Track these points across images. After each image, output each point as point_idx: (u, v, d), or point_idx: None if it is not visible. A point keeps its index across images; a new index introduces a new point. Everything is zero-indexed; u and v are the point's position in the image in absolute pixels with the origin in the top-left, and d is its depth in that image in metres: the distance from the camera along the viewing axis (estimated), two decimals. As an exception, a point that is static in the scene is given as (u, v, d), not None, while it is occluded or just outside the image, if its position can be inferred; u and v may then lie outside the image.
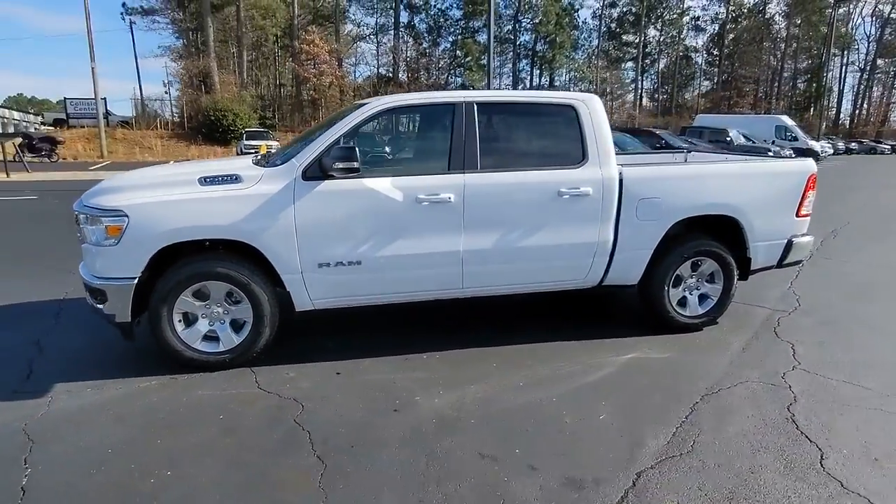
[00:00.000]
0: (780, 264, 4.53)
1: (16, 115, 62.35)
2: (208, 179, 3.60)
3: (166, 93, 43.28)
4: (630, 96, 53.02)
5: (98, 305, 3.52)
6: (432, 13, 47.25)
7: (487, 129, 3.93)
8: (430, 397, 3.32)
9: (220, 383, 3.49)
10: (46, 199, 12.47)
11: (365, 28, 47.24)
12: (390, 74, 45.56)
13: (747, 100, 48.92)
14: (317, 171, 3.57)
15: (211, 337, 3.67)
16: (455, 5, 46.86)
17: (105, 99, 40.35)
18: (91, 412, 3.12)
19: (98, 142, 30.28)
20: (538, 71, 49.86)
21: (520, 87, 49.78)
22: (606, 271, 4.15)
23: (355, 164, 3.45)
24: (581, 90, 49.29)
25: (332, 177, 3.55)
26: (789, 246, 4.47)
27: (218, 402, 3.26)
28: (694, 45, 56.82)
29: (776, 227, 4.42)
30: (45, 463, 2.63)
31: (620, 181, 4.00)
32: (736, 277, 4.39)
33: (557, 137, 4.10)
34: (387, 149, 4.51)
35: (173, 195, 3.52)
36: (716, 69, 53.80)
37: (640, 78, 54.16)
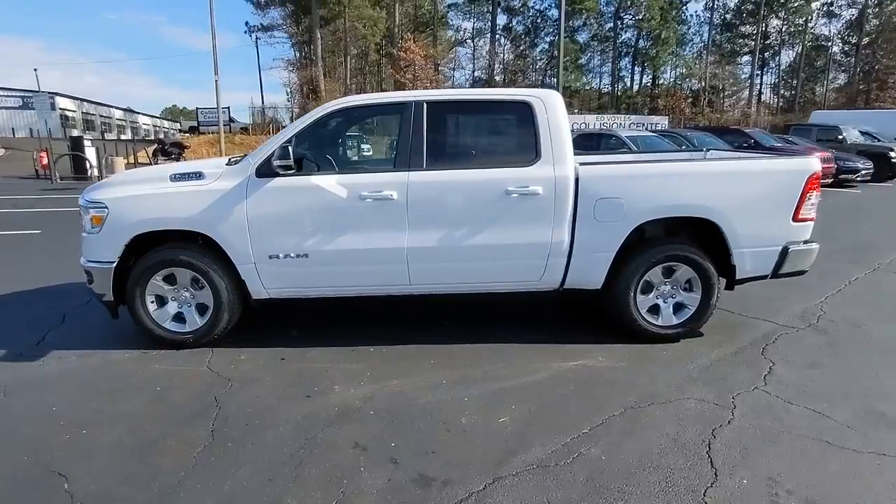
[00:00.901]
0: (775, 274, 4.04)
1: (166, 123, 71.15)
2: (177, 176, 4.00)
3: (288, 101, 47.01)
4: (745, 93, 48.52)
5: (89, 286, 4.05)
6: (530, 14, 46.88)
7: (437, 128, 3.94)
8: (348, 388, 3.42)
9: (178, 360, 3.86)
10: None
11: (463, 33, 47.99)
12: (485, 77, 45.80)
13: (891, 93, 42.65)
14: (268, 169, 3.83)
15: (180, 318, 4.07)
16: (553, 5, 46.03)
17: (228, 108, 44.83)
18: (63, 376, 3.62)
19: (219, 146, 33.76)
20: (640, 69, 47.52)
21: (618, 86, 47.79)
22: (566, 274, 3.99)
23: (290, 163, 3.66)
24: (688, 88, 46.18)
25: (279, 174, 3.78)
26: (785, 254, 3.98)
27: (166, 375, 3.62)
28: (825, 33, 50.79)
29: (766, 232, 3.96)
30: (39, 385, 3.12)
31: (577, 180, 3.84)
32: (717, 286, 4.00)
33: (511, 135, 4.02)
34: (341, 148, 4.67)
35: (145, 190, 3.96)
36: (852, 59, 47.59)
37: (758, 72, 49.41)
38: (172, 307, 4.04)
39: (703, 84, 43.39)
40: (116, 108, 69.09)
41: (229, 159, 4.34)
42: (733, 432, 2.87)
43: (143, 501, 2.38)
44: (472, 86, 45.48)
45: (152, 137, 48.26)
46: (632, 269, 3.96)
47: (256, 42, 48.80)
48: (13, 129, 48.45)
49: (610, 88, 47.99)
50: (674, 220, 3.98)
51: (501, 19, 46.95)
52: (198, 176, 3.95)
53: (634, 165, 4.16)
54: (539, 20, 47.69)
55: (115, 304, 4.02)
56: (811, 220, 4.00)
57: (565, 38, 45.97)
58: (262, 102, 48.59)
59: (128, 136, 59.93)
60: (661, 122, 34.31)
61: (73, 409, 3.17)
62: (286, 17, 44.51)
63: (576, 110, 38.93)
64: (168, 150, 30.69)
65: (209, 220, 3.84)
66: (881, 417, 3.01)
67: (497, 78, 47.15)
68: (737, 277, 4.02)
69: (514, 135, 3.98)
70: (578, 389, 3.37)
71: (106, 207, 3.88)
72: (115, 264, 3.91)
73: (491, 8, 44.40)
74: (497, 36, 45.79)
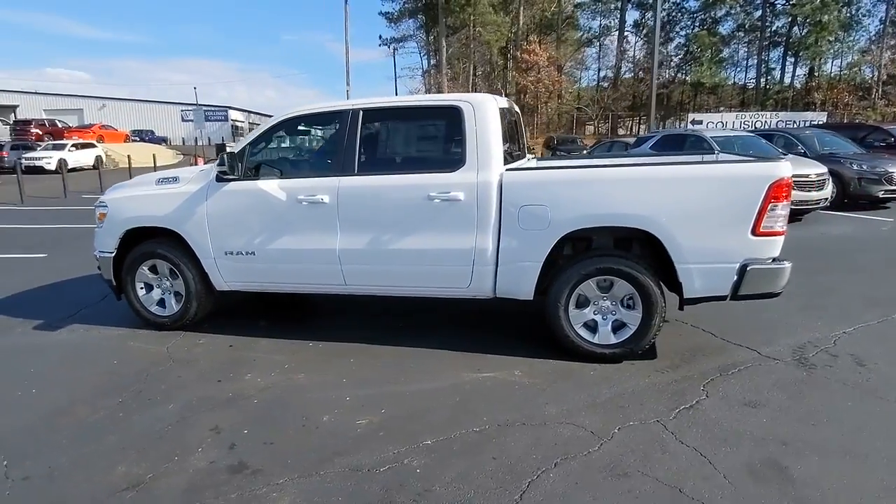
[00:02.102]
0: (735, 296, 3.50)
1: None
2: (160, 180, 4.59)
3: None
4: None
5: (98, 270, 4.81)
6: (665, 7, 43.61)
7: (369, 134, 4.05)
8: (258, 377, 3.68)
9: (151, 339, 4.43)
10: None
11: (589, 32, 46.30)
12: (612, 76, 43.78)
13: None
14: (223, 174, 4.24)
15: (162, 303, 4.66)
16: (691, -5, 42.35)
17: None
18: (59, 344, 4.36)
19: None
20: (792, 59, 41.56)
21: (766, 80, 42.34)
22: (495, 283, 3.85)
23: (224, 169, 4.02)
24: (856, 79, 39.63)
25: (231, 179, 4.17)
26: (744, 273, 3.43)
27: (131, 351, 4.19)
28: None
29: (718, 247, 3.45)
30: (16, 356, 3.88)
31: (501, 187, 3.69)
32: (660, 304, 3.57)
33: (441, 141, 3.98)
34: (289, 154, 4.89)
35: (134, 192, 4.61)
36: None
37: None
38: (157, 293, 4.64)
39: (877, 73, 36.86)
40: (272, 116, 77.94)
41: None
42: (576, 467, 2.59)
43: (15, 447, 2.85)
44: (597, 86, 43.81)
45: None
46: (562, 281, 3.70)
47: (394, 53, 51.82)
48: (195, 138, 57.07)
49: (755, 82, 42.83)
50: (613, 229, 3.64)
51: (632, 15, 44.48)
52: (174, 180, 4.50)
53: (561, 171, 3.87)
54: (675, 13, 44.25)
55: (117, 287, 4.73)
56: (778, 234, 3.40)
57: (702, 30, 42.30)
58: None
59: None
60: (818, 118, 29.94)
61: (43, 373, 3.82)
62: (416, 28, 46.76)
63: (710, 109, 35.54)
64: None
65: (178, 218, 4.35)
66: (778, 473, 2.51)
67: (628, 76, 44.85)
68: (686, 296, 3.56)
69: (443, 140, 3.94)
70: (463, 401, 3.26)
71: (106, 206, 4.59)
72: (113, 254, 4.61)
73: (620, 4, 42.24)
74: (626, 33, 43.50)
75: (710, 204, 3.42)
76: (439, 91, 43.17)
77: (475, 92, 47.43)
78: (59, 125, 39.77)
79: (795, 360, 3.72)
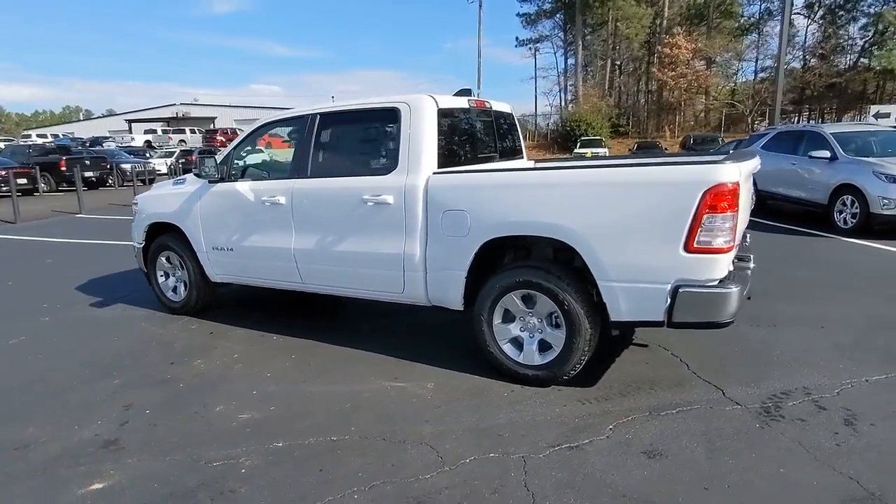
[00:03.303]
0: (671, 322, 2.93)
1: None
2: (175, 182, 5.16)
3: (566, 107, 48.35)
4: None
5: (135, 258, 5.56)
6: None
7: (323, 138, 4.12)
8: (203, 363, 3.96)
9: (159, 321, 5.00)
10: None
11: (748, 19, 41.07)
12: (774, 65, 38.31)
13: None
14: (198, 176, 4.65)
15: (175, 290, 5.24)
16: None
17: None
18: (91, 320, 5.09)
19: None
20: None
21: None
22: (427, 290, 3.71)
23: (195, 171, 4.38)
24: None
25: (220, 180, 4.54)
26: (676, 296, 2.87)
27: (136, 331, 4.78)
28: None
29: (645, 263, 2.92)
30: (31, 332, 4.69)
31: (427, 190, 3.54)
32: (585, 326, 3.13)
33: (381, 143, 3.90)
34: (263, 158, 5.05)
35: (156, 192, 5.24)
36: None
37: None
38: (171, 281, 5.23)
39: None
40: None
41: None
42: (390, 492, 2.40)
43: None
44: (754, 79, 38.78)
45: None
46: (485, 293, 3.44)
47: (535, 54, 51.17)
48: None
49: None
50: (533, 239, 3.29)
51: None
52: (182, 181, 5.03)
53: (480, 175, 3.55)
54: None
55: (147, 275, 5.43)
56: (719, 251, 2.78)
57: (890, 7, 35.17)
58: (535, 110, 50.88)
59: None
60: None
61: (60, 341, 4.54)
62: (553, 28, 45.81)
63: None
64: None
65: (180, 215, 4.87)
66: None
67: (795, 65, 39.18)
68: (612, 319, 3.08)
69: (382, 143, 3.87)
70: (351, 409, 3.20)
71: (136, 204, 5.30)
72: (142, 245, 5.30)
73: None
74: (790, 17, 37.65)
75: (634, 213, 2.92)
76: (575, 92, 41.89)
77: (614, 91, 45.13)
78: (238, 133, 46.26)
79: (762, 407, 3.01)
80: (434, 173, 3.56)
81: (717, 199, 2.72)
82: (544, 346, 3.35)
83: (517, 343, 3.45)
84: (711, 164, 2.79)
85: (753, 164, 3.39)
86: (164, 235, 5.10)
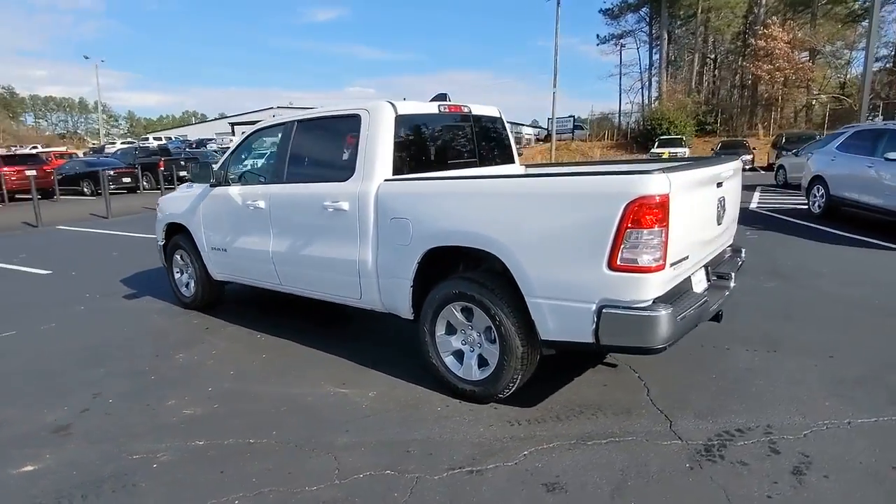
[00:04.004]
0: (599, 345, 2.70)
1: (527, 130, 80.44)
2: (186, 185, 5.49)
3: (649, 105, 46.33)
4: None
5: (159, 255, 6.00)
6: None
7: (297, 145, 4.21)
8: (182, 358, 4.19)
9: (168, 314, 5.37)
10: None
11: (862, 3, 36.65)
12: (893, 54, 34.12)
13: None
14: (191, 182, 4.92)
15: (187, 286, 5.59)
16: None
17: (573, 116, 47.41)
18: (115, 310, 5.54)
19: (549, 153, 36.46)
20: None
21: None
22: (380, 296, 3.69)
23: (191, 177, 4.63)
24: None
25: (217, 184, 4.80)
26: (600, 316, 2.63)
27: (145, 322, 5.15)
28: None
29: (570, 280, 2.71)
30: (62, 319, 5.20)
31: (377, 197, 3.52)
32: (518, 342, 2.97)
33: (343, 150, 3.90)
34: (252, 163, 5.15)
35: (173, 194, 5.62)
36: None
37: None
38: (185, 278, 5.59)
39: None
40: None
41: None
42: (262, 502, 2.41)
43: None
44: (863, 70, 34.45)
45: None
46: (427, 303, 3.36)
47: (621, 50, 49.12)
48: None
49: None
50: (468, 250, 3.16)
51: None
52: (190, 185, 5.36)
53: (423, 182, 3.43)
54: None
55: (167, 270, 5.85)
56: (646, 270, 2.52)
57: None
58: (619, 108, 48.84)
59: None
60: None
61: (78, 328, 4.99)
62: (637, 21, 43.74)
63: None
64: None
65: (187, 216, 5.19)
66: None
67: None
68: (541, 337, 2.89)
69: (344, 149, 3.88)
70: (287, 413, 3.24)
71: (159, 205, 5.72)
72: (163, 243, 5.71)
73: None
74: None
75: (559, 226, 2.72)
76: (659, 88, 39.81)
77: (703, 87, 42.21)
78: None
79: (705, 445, 2.70)
80: (385, 180, 3.53)
81: (641, 212, 2.47)
82: (483, 362, 3.22)
83: (460, 356, 3.34)
84: (638, 174, 2.54)
85: (709, 171, 3.02)
86: (178, 235, 5.46)
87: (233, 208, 4.63)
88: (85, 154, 36.37)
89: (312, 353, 4.19)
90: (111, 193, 14.87)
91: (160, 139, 51.74)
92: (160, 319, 5.23)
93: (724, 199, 3.18)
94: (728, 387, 3.33)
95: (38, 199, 12.91)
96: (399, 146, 3.66)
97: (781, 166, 16.09)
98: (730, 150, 24.60)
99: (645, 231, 2.49)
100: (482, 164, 4.41)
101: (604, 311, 2.63)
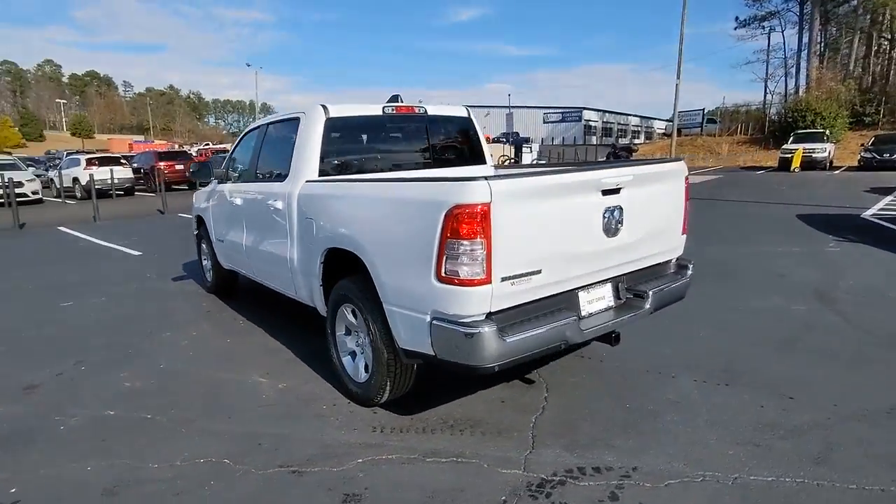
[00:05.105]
0: (440, 360, 2.56)
1: (658, 124, 75.09)
2: (212, 180, 6.07)
3: (794, 94, 41.23)
4: None
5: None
6: None
7: (263, 146, 4.47)
8: (169, 336, 4.68)
9: (193, 298, 5.99)
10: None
11: None
12: None
13: None
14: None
15: (208, 273, 6.19)
16: None
17: (703, 109, 43.57)
18: (160, 291, 6.33)
19: (670, 149, 33.83)
20: None
21: None
22: (306, 292, 3.83)
23: (193, 172, 5.11)
24: None
25: (219, 181, 5.27)
26: (432, 329, 2.50)
27: (175, 301, 5.82)
28: None
29: (410, 289, 2.60)
30: (113, 296, 6.07)
31: (298, 198, 3.65)
32: (384, 348, 2.91)
33: (287, 151, 4.05)
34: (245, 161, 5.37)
35: (200, 189, 6.24)
36: None
37: None
38: (207, 265, 6.20)
39: None
40: (633, 115, 77.94)
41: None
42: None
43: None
44: None
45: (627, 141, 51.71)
46: (329, 303, 3.42)
47: (769, 34, 43.93)
48: (552, 138, 62.26)
49: None
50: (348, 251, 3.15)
51: None
52: (212, 181, 5.91)
53: (324, 184, 3.42)
54: None
55: (199, 258, 6.54)
56: (468, 283, 2.33)
57: None
58: (764, 98, 43.64)
59: (640, 139, 67.31)
60: None
61: (116, 304, 5.80)
62: (784, 1, 38.61)
63: None
64: (619, 153, 33.31)
65: (204, 210, 5.77)
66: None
67: None
68: (398, 346, 2.80)
69: (287, 151, 4.03)
70: (198, 394, 3.51)
71: (194, 198, 6.41)
72: (195, 233, 6.39)
73: None
74: None
75: (400, 232, 2.63)
76: (808, 75, 34.96)
77: (866, 74, 36.04)
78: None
79: (542, 479, 2.44)
80: (307, 182, 3.65)
81: (459, 222, 2.31)
82: (368, 366, 3.21)
83: (354, 357, 3.36)
84: (459, 181, 2.36)
85: (564, 179, 2.65)
86: (202, 226, 6.08)
87: (226, 203, 5.06)
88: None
89: (269, 342, 4.45)
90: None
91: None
92: (179, 301, 5.86)
93: (619, 209, 2.80)
94: (631, 419, 2.96)
95: (183, 188, 14.89)
96: (328, 149, 3.74)
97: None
98: (885, 145, 20.96)
99: (465, 242, 2.32)
100: (437, 165, 4.33)
101: (433, 323, 2.50)
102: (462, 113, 4.53)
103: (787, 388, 3.22)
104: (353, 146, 3.95)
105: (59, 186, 19.34)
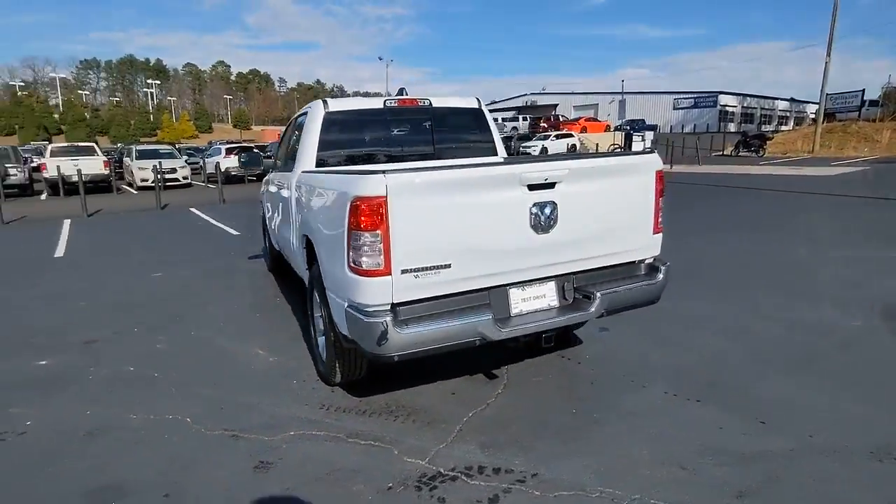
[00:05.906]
0: (374, 354, 2.65)
1: (811, 108, 66.75)
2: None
3: None
4: None
5: (267, 227, 7.38)
6: None
7: (293, 137, 4.80)
8: (212, 308, 5.28)
9: (250, 277, 6.63)
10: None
11: None
12: None
13: None
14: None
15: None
16: None
17: (863, 90, 37.79)
18: (233, 269, 7.12)
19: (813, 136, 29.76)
20: None
21: None
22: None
23: (240, 162, 5.64)
24: None
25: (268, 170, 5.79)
26: (346, 316, 2.61)
27: (226, 282, 6.51)
28: None
29: (336, 277, 2.73)
30: (172, 272, 6.94)
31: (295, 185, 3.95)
32: (329, 329, 3.09)
33: (299, 142, 4.33)
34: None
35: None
36: None
37: None
38: (266, 246, 6.82)
39: None
40: (781, 99, 69.59)
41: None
42: (107, 417, 3.13)
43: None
44: None
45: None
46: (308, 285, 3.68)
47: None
48: (682, 125, 57.84)
49: None
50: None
51: None
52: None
53: (306, 174, 3.60)
54: None
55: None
56: (368, 273, 2.40)
57: None
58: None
59: (788, 126, 60.19)
60: None
61: (174, 280, 6.61)
62: None
63: None
64: (749, 142, 30.07)
65: (261, 194, 6.36)
66: None
67: None
68: (338, 330, 2.94)
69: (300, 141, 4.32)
70: (200, 360, 3.96)
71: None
72: (262, 217, 7.06)
73: None
74: None
75: (327, 222, 2.78)
76: None
77: None
78: (561, 119, 49.04)
79: (437, 472, 2.45)
80: (303, 171, 3.91)
81: (359, 214, 2.38)
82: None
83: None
84: (363, 174, 2.42)
85: (476, 173, 2.54)
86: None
87: (269, 190, 5.55)
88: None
89: (288, 319, 4.84)
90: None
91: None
92: (241, 279, 6.52)
93: (551, 205, 2.65)
94: (569, 425, 2.83)
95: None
96: (327, 140, 3.98)
97: None
98: None
99: (365, 234, 2.40)
100: (440, 156, 4.36)
101: (346, 310, 2.62)
102: (472, 104, 4.50)
103: (764, 411, 2.85)
104: (350, 139, 4.14)
105: (205, 172, 22.12)
